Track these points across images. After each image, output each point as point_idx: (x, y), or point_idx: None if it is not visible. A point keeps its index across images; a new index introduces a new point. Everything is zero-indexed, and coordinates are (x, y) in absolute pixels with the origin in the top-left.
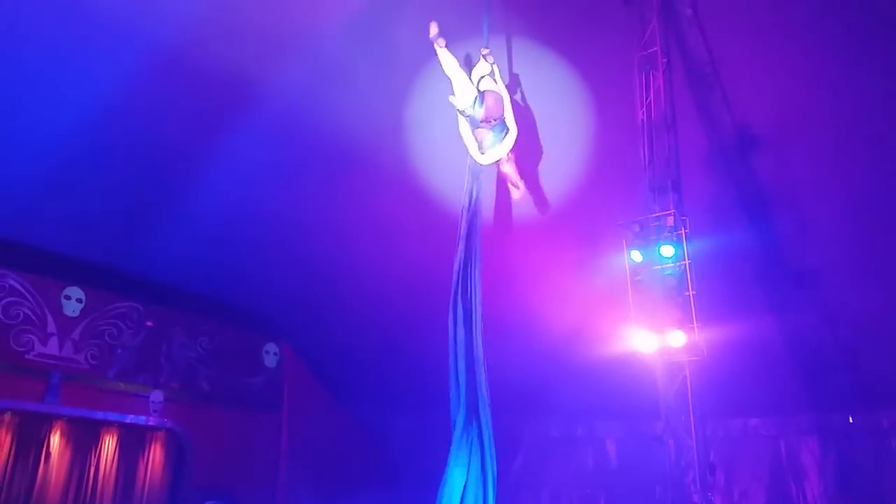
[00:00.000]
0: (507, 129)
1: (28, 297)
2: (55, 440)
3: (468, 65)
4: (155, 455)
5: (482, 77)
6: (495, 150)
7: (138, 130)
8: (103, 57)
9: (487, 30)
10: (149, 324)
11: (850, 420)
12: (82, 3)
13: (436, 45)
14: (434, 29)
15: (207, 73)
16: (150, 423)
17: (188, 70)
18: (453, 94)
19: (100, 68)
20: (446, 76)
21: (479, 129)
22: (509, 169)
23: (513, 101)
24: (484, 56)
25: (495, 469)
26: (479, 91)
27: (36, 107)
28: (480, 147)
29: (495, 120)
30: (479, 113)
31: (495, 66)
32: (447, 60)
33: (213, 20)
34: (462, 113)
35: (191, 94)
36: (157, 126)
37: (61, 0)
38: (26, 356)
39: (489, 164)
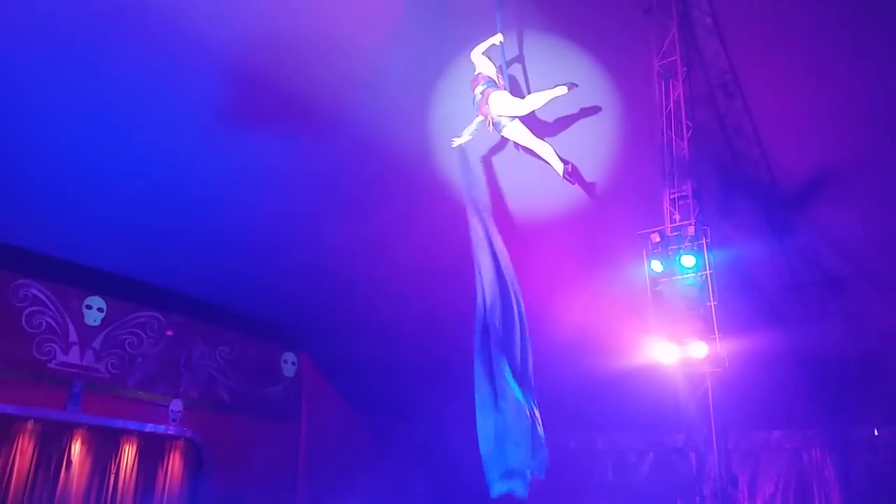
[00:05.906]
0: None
1: (50, 306)
2: (76, 448)
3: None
4: (174, 463)
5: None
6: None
7: (155, 142)
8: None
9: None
10: (169, 333)
11: (876, 433)
12: None
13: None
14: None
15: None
16: (169, 432)
17: (197, 75)
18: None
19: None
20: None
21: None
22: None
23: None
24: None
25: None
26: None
27: (57, 119)
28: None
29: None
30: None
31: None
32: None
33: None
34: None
35: (199, 105)
36: (174, 139)
37: None
38: (48, 365)
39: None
